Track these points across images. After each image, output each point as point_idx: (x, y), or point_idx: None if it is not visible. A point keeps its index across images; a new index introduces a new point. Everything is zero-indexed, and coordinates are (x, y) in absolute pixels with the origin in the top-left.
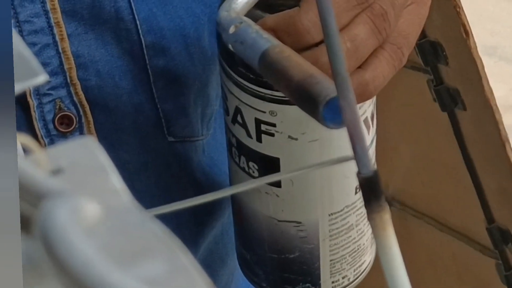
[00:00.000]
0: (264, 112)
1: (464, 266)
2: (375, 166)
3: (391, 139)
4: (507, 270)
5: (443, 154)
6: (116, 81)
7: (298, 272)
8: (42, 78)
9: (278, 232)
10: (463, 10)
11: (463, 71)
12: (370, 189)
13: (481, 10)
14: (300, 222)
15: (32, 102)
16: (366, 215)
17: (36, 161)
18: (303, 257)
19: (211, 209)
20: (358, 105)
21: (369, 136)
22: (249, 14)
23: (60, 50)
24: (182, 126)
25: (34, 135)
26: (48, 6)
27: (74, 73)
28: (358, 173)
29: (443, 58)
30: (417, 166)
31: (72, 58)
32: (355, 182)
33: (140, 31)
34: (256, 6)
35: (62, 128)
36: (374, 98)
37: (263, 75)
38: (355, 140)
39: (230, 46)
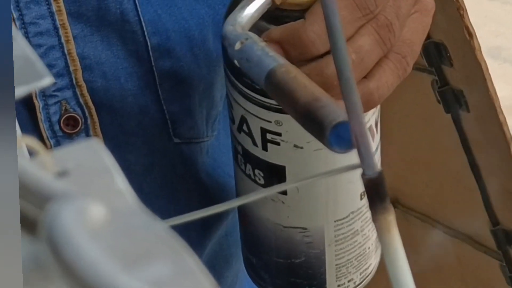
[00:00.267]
0: (270, 121)
1: (469, 268)
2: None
3: (394, 141)
4: None
5: (447, 155)
6: (121, 83)
7: (304, 276)
8: (47, 80)
9: (284, 238)
10: (466, 12)
11: (467, 72)
12: (375, 190)
13: (486, 11)
14: (305, 228)
15: (38, 104)
16: (371, 220)
17: (41, 163)
18: (309, 262)
19: None
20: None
21: (374, 143)
22: (254, 26)
23: (66, 52)
24: (187, 128)
25: (40, 137)
26: (54, 8)
27: (79, 75)
28: (363, 175)
29: (447, 60)
30: (421, 167)
31: (77, 60)
32: (360, 188)
33: (145, 33)
34: (262, 18)
35: (68, 129)
36: (378, 106)
37: (269, 94)
38: (360, 141)
39: (236, 62)
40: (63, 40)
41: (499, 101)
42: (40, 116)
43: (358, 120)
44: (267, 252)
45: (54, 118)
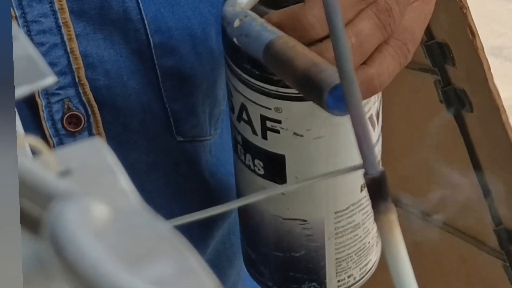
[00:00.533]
0: (269, 108)
1: (472, 268)
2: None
3: (397, 140)
4: None
5: (450, 155)
6: (124, 81)
7: (303, 270)
8: (50, 79)
9: (284, 230)
10: (469, 11)
11: (470, 72)
12: (377, 190)
13: (488, 11)
14: (305, 220)
15: (41, 102)
16: (371, 213)
17: (44, 162)
18: (308, 255)
19: None
20: (363, 101)
21: (375, 134)
22: (253, 10)
23: (68, 50)
24: (190, 126)
25: (43, 135)
26: (56, 6)
27: (82, 73)
28: (365, 174)
29: (450, 59)
30: (423, 167)
31: (80, 58)
32: (360, 180)
33: (148, 31)
34: (261, 2)
35: (71, 127)
36: (380, 95)
37: (268, 67)
38: (362, 140)
39: (235, 40)
40: (65, 38)
41: (501, 101)
42: (43, 114)
43: (360, 118)
44: (266, 245)
45: (57, 117)
